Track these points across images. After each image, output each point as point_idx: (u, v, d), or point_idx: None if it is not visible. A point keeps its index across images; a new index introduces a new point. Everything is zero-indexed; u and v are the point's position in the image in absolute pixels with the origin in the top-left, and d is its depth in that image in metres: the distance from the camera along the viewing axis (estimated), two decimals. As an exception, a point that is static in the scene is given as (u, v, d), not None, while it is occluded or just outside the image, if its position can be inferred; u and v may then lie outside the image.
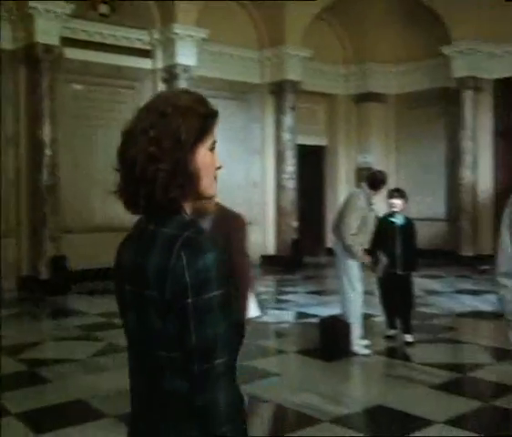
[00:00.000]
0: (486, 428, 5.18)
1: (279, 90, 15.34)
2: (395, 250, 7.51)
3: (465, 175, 15.22)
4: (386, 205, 7.72)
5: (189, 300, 1.58)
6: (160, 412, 1.69)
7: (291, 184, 15.33)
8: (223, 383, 1.59)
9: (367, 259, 7.13)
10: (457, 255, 15.14)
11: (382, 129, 17.24)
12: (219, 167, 1.77)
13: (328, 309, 8.80)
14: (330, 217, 17.18)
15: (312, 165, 17.14)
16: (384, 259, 7.52)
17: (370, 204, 6.93)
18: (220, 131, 1.81)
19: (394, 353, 7.38)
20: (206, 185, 1.72)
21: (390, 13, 16.04)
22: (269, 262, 14.99)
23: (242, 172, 15.22)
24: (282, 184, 15.38)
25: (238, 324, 1.70)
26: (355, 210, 6.83)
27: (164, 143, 1.65)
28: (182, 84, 13.19)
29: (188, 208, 1.72)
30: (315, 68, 16.19)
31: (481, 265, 13.22)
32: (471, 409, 5.43)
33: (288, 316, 9.36)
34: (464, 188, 15.19)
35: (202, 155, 1.71)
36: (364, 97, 17.17)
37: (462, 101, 15.23)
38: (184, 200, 1.70)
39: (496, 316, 7.95)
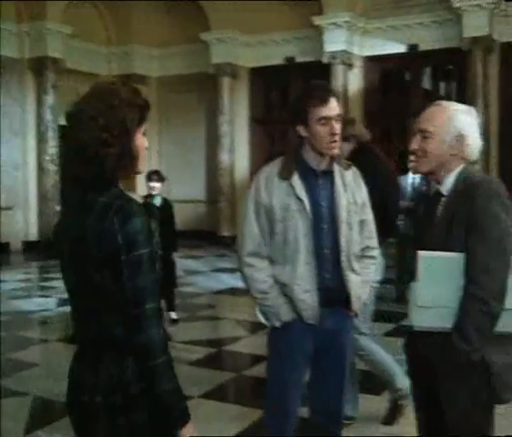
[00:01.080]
0: (239, 396, 5.61)
1: (39, 67, 14.79)
2: (154, 232, 7.66)
3: (224, 158, 15.94)
4: (145, 188, 7.79)
5: (123, 257, 1.91)
6: (99, 352, 2.01)
7: (53, 166, 14.91)
8: (154, 323, 1.93)
9: None
10: (217, 235, 15.83)
11: (144, 112, 17.39)
12: (147, 148, 2.11)
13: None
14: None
15: (74, 147, 16.81)
16: None
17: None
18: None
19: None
20: (140, 163, 2.07)
21: (152, -4, 16.21)
22: (32, 248, 14.51)
23: (2, 154, 14.48)
24: (44, 166, 14.90)
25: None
26: None
27: (113, 131, 1.95)
28: None
29: (121, 182, 2.06)
30: (78, 47, 15.88)
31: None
32: (226, 380, 5.82)
33: (51, 303, 9.19)
34: (222, 170, 15.90)
35: (139, 139, 2.05)
36: (127, 79, 17.15)
37: (220, 87, 15.92)
38: (124, 177, 2.06)
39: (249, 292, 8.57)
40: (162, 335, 1.95)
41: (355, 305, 3.05)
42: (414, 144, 2.69)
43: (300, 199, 2.95)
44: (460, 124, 2.59)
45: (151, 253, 1.96)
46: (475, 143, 2.61)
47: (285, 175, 2.99)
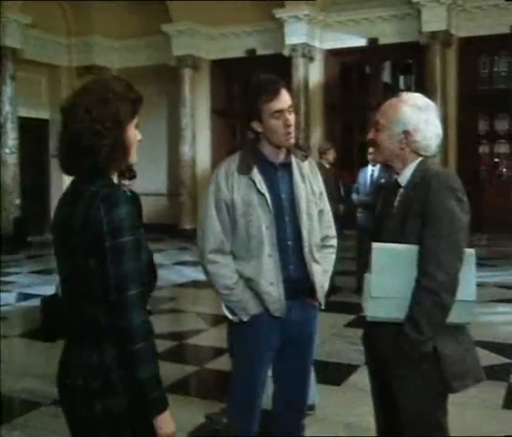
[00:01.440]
0: (201, 389, 5.62)
1: (-3, 57, 14.55)
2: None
3: (185, 151, 15.89)
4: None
5: (107, 244, 1.98)
6: (84, 338, 2.09)
7: (12, 159, 14.68)
8: (135, 310, 2.00)
9: None
10: (178, 228, 15.80)
11: (105, 104, 17.24)
12: (139, 140, 2.20)
13: (54, 288, 8.66)
14: (55, 192, 16.83)
15: (34, 139, 16.59)
16: None
17: None
18: None
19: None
20: (132, 155, 2.16)
21: (113, -13, 16.04)
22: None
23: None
24: (3, 159, 14.62)
25: (149, 264, 2.15)
26: None
27: (106, 123, 2.04)
28: None
29: (113, 173, 2.16)
30: (37, 37, 15.65)
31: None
32: (188, 373, 5.83)
33: (11, 298, 9.09)
34: (184, 163, 15.86)
35: (131, 131, 2.14)
36: (87, 70, 16.98)
37: (181, 79, 15.86)
38: (117, 167, 2.16)
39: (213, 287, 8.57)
40: (143, 322, 2.01)
41: (320, 294, 3.07)
42: (370, 134, 2.73)
43: (261, 193, 2.96)
44: (407, 120, 2.60)
45: (136, 241, 2.02)
46: (426, 139, 2.61)
47: (245, 169, 2.99)
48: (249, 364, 3.08)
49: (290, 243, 3.00)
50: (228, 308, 3.08)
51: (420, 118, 2.60)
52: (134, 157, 2.19)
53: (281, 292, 2.97)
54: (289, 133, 2.96)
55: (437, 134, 2.65)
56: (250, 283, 2.99)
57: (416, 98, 2.67)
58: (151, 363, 2.03)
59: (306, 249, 3.01)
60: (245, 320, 3.01)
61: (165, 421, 2.06)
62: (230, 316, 3.10)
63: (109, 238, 1.98)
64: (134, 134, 2.16)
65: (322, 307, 3.15)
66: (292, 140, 3.01)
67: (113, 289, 1.99)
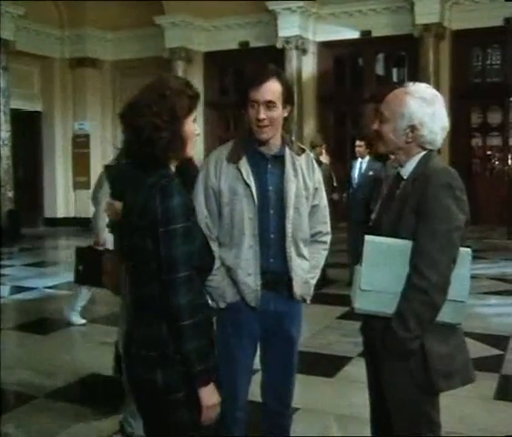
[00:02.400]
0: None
1: (-11, 49, 14.46)
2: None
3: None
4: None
5: (160, 230, 2.19)
6: (144, 311, 2.30)
7: (5, 151, 14.63)
8: (184, 290, 2.19)
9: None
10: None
11: (98, 96, 17.20)
12: (198, 134, 2.37)
13: (48, 281, 8.68)
14: (48, 185, 16.82)
15: (27, 131, 16.54)
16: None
17: None
18: None
19: (112, 320, 7.55)
20: (189, 148, 2.33)
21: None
22: (-17, 235, 14.24)
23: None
24: (-4, 151, 14.61)
25: (203, 247, 2.40)
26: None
27: (164, 117, 2.22)
28: None
29: (172, 164, 2.32)
30: (30, 29, 15.59)
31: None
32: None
33: (4, 291, 9.04)
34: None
35: (189, 125, 2.31)
36: (80, 62, 16.96)
37: (174, 71, 15.77)
38: (175, 159, 2.32)
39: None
40: (191, 301, 2.20)
41: (297, 289, 3.03)
42: (374, 125, 2.67)
43: (247, 184, 2.94)
44: (413, 113, 2.54)
45: (187, 228, 2.21)
46: (432, 133, 2.56)
47: (233, 159, 2.98)
48: (228, 350, 3.05)
49: (273, 236, 2.98)
50: (208, 293, 3.08)
51: (426, 112, 2.54)
52: (191, 151, 2.35)
53: (259, 283, 2.96)
54: (259, 127, 2.91)
55: (443, 127, 2.60)
56: (229, 272, 3.00)
57: (423, 90, 2.60)
58: (198, 338, 2.20)
59: (289, 243, 2.98)
60: (222, 306, 3.02)
61: (208, 393, 2.25)
62: (209, 301, 3.10)
63: (163, 224, 2.18)
64: (191, 128, 2.32)
65: (307, 302, 3.13)
66: (263, 135, 2.94)
67: (164, 270, 2.20)
